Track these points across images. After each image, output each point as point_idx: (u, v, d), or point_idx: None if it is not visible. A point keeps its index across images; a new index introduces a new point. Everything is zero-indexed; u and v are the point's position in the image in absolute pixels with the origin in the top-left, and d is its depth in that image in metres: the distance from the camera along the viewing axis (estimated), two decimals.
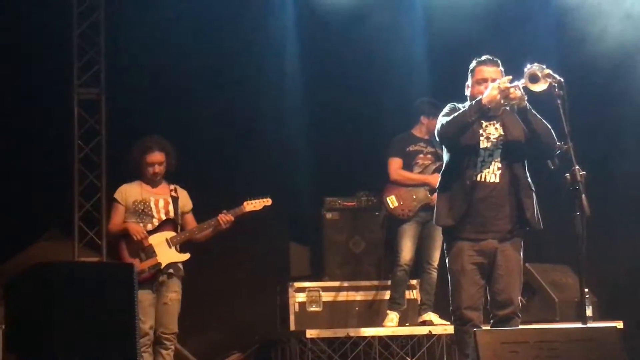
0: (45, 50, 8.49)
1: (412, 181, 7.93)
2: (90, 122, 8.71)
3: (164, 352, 6.71)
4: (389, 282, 8.11)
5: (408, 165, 7.99)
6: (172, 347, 6.80)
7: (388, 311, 7.92)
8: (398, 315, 7.87)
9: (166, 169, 6.86)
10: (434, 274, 7.91)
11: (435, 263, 7.89)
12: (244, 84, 9.04)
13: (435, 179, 7.59)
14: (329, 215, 8.60)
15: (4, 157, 8.27)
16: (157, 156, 6.81)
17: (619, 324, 7.03)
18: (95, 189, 8.64)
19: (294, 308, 8.15)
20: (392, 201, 7.93)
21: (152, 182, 6.87)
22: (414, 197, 7.89)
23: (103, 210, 8.57)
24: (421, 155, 8.00)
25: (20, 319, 5.84)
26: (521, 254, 5.75)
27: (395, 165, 7.98)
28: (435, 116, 7.77)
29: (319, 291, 8.24)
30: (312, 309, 8.18)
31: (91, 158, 8.68)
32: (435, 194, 7.43)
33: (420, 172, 7.96)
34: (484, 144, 5.68)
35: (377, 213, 8.48)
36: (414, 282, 8.20)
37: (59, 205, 8.60)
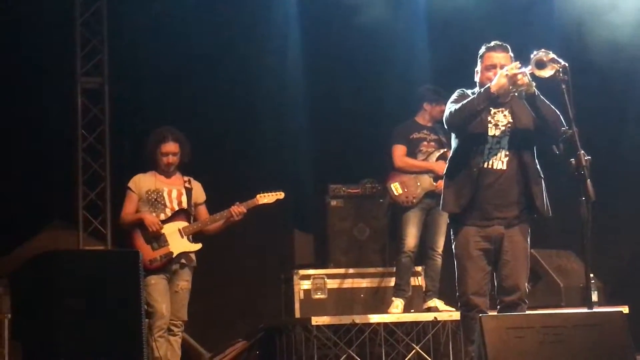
0: (48, 40, 8.47)
1: (417, 168, 7.92)
2: (94, 111, 8.73)
3: (171, 338, 6.74)
4: (394, 269, 8.11)
5: (412, 153, 7.98)
6: (180, 334, 6.83)
7: (393, 298, 7.92)
8: (403, 302, 7.87)
9: (180, 159, 6.87)
10: (439, 260, 7.91)
11: (440, 249, 7.89)
12: (247, 72, 9.04)
13: (440, 166, 7.65)
14: (333, 203, 8.60)
15: (8, 147, 8.27)
16: (171, 146, 6.83)
17: (625, 309, 7.02)
18: (100, 178, 8.66)
19: (299, 295, 8.16)
20: (396, 188, 7.92)
21: (166, 172, 6.87)
22: (418, 184, 7.89)
23: (107, 200, 8.61)
24: (425, 143, 7.99)
25: (25, 308, 5.86)
26: (528, 240, 5.73)
27: (399, 153, 7.97)
28: (438, 103, 7.83)
29: (323, 278, 8.25)
30: (317, 297, 8.19)
31: (95, 147, 8.70)
32: (440, 181, 7.49)
33: (424, 160, 7.95)
34: (492, 131, 5.66)
35: (381, 200, 8.47)
36: (418, 268, 8.20)
37: (63, 195, 8.62)
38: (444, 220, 7.71)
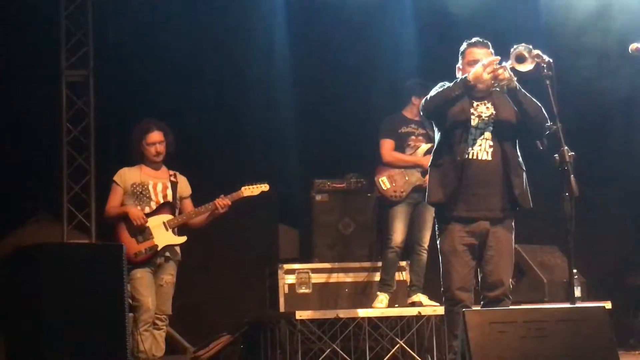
0: (32, 33, 8.44)
1: (405, 163, 7.92)
2: (79, 104, 8.69)
3: (156, 332, 6.75)
4: (379, 264, 8.12)
5: (400, 147, 7.97)
6: (164, 328, 6.83)
7: (378, 292, 7.92)
8: (388, 297, 7.87)
9: (166, 148, 6.88)
10: (424, 255, 7.92)
11: (426, 244, 7.90)
12: (234, 66, 9.03)
13: (427, 161, 7.65)
14: (318, 197, 8.58)
15: None
16: (156, 135, 6.84)
17: (607, 304, 7.05)
18: (84, 172, 8.63)
19: (283, 290, 8.16)
20: (384, 183, 7.92)
21: (155, 163, 6.87)
22: (407, 178, 7.89)
23: (92, 193, 8.57)
24: (413, 137, 7.99)
25: (8, 301, 5.84)
26: (512, 235, 5.75)
27: (387, 147, 7.97)
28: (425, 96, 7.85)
29: (308, 273, 8.25)
30: (301, 291, 8.19)
31: (80, 140, 8.66)
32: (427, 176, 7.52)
33: (412, 154, 7.95)
34: (474, 121, 5.68)
35: (369, 194, 8.48)
36: (403, 263, 8.21)
37: (48, 188, 8.59)
38: (430, 215, 7.72)
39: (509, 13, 8.95)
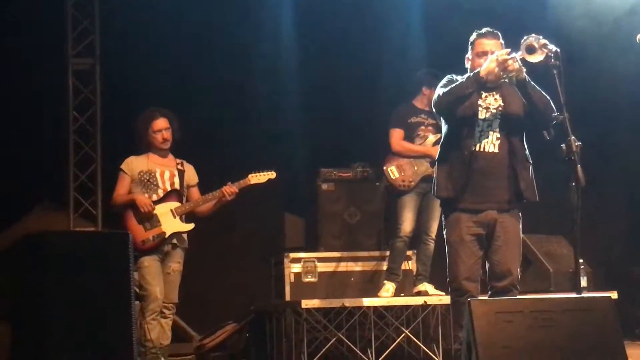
0: (39, 21, 8.44)
1: (414, 153, 7.92)
2: (85, 93, 8.71)
3: (162, 321, 6.75)
4: (386, 253, 8.12)
5: (409, 137, 7.96)
6: (171, 316, 6.84)
7: (385, 281, 7.92)
8: (394, 286, 7.88)
9: (172, 135, 6.88)
10: (432, 245, 7.92)
11: (434, 234, 7.90)
12: (241, 54, 9.02)
13: (436, 151, 7.64)
14: (324, 186, 8.59)
15: None
16: (162, 122, 6.85)
17: (613, 295, 7.05)
18: (91, 160, 8.65)
19: (289, 279, 8.17)
20: (392, 172, 7.92)
21: (162, 151, 6.87)
22: (415, 168, 7.89)
23: (98, 181, 8.60)
24: (422, 127, 7.98)
25: (14, 289, 5.85)
26: (520, 225, 5.75)
27: (397, 136, 7.97)
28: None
29: (314, 262, 8.26)
30: (307, 280, 8.20)
31: (86, 129, 8.68)
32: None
33: (421, 144, 7.95)
34: (482, 114, 5.67)
35: (377, 184, 8.48)
36: (409, 253, 8.21)
37: (54, 176, 8.61)
38: (438, 205, 7.71)
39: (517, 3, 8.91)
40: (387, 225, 8.38)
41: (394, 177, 7.90)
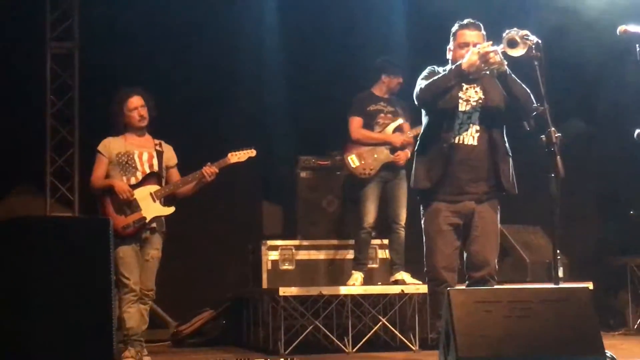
0: (17, 3, 8.36)
1: (374, 140, 7.94)
2: (64, 77, 8.66)
3: (141, 307, 6.69)
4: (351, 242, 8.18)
5: (368, 125, 7.98)
6: (149, 303, 6.79)
7: (353, 271, 7.94)
8: (362, 275, 7.90)
9: (148, 113, 6.76)
10: (402, 232, 7.94)
11: (403, 222, 7.92)
12: (223, 40, 8.99)
13: (396, 138, 7.78)
14: (302, 174, 8.61)
15: None
16: (137, 100, 6.73)
17: (589, 285, 7.11)
18: (68, 144, 8.61)
19: (266, 266, 8.18)
20: (352, 160, 7.94)
21: (139, 130, 6.75)
22: (375, 156, 7.91)
23: (76, 166, 8.56)
24: (382, 115, 8.00)
25: None
26: (498, 215, 5.78)
27: (356, 125, 7.98)
28: (396, 75, 7.93)
29: (292, 249, 8.27)
30: (284, 267, 8.21)
31: (64, 113, 8.64)
32: (398, 153, 7.72)
33: (380, 132, 7.97)
34: (462, 107, 5.68)
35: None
36: (385, 241, 8.24)
37: (31, 161, 8.55)
38: (402, 192, 7.82)
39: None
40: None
41: (354, 166, 7.92)
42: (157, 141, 6.86)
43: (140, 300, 6.67)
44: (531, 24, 5.61)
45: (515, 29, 5.43)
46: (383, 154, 7.90)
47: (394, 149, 7.87)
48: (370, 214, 7.88)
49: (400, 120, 7.94)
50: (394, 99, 8.04)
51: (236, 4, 9.03)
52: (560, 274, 7.61)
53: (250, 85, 9.14)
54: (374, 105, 8.00)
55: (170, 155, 6.89)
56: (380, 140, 7.92)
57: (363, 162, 7.91)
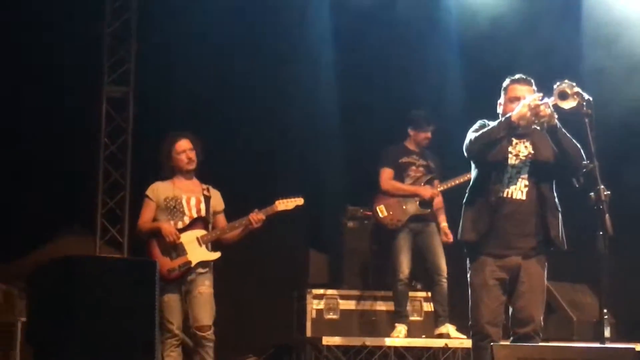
0: (76, 47, 8.51)
1: (403, 192, 7.98)
2: (118, 120, 8.79)
3: (200, 350, 6.60)
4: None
5: (399, 177, 8.05)
6: (210, 343, 6.64)
7: (396, 324, 7.93)
8: (406, 328, 7.88)
9: (196, 157, 6.80)
10: (445, 284, 7.94)
11: (444, 273, 7.93)
12: (278, 88, 9.06)
13: (426, 191, 7.85)
14: (350, 224, 8.63)
15: (31, 150, 8.31)
16: (185, 143, 6.78)
17: (637, 347, 7.00)
18: (120, 187, 8.71)
19: (311, 315, 8.18)
20: (381, 211, 7.99)
21: (187, 173, 6.78)
22: (404, 207, 7.94)
23: (126, 208, 8.65)
24: (413, 167, 8.06)
25: (40, 312, 5.87)
26: (545, 272, 5.72)
27: (386, 176, 8.04)
28: (422, 129, 8.00)
29: (336, 299, 8.27)
30: (329, 317, 8.20)
31: (117, 156, 8.75)
32: (426, 208, 7.84)
33: (411, 184, 7.99)
34: (512, 160, 5.66)
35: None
36: (426, 294, 8.24)
37: (83, 202, 8.66)
38: (437, 243, 7.87)
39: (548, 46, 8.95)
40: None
41: (382, 216, 7.96)
42: (204, 186, 6.88)
43: (198, 344, 6.58)
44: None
45: (566, 81, 5.42)
46: (412, 206, 7.95)
47: (423, 202, 7.91)
48: (405, 265, 7.90)
49: (432, 174, 8.00)
50: (427, 152, 8.11)
51: (295, 54, 9.11)
52: (607, 333, 7.47)
53: (303, 134, 9.20)
54: (406, 158, 8.06)
55: (217, 201, 6.90)
56: (409, 192, 7.97)
57: (391, 213, 7.95)
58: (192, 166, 6.81)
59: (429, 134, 8.07)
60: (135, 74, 8.80)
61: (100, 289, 5.65)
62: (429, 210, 7.96)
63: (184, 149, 6.78)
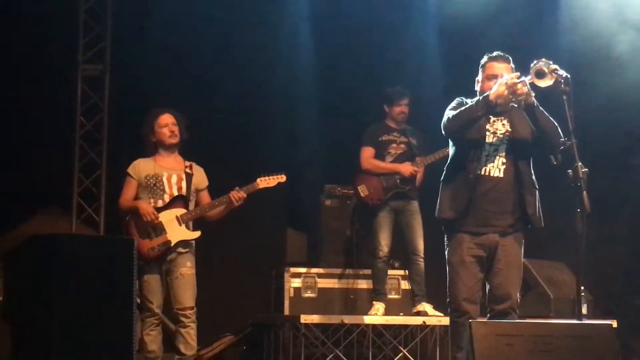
0: (51, 26, 8.44)
1: (383, 170, 7.99)
2: (94, 99, 8.72)
3: (182, 330, 6.55)
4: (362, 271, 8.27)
5: (380, 155, 8.05)
6: (192, 324, 6.60)
7: (374, 302, 7.95)
8: (384, 306, 7.90)
9: (179, 133, 6.72)
10: (421, 263, 7.95)
11: (421, 253, 7.94)
12: (255, 67, 9.01)
13: (406, 168, 7.83)
14: (327, 202, 8.63)
15: (5, 130, 8.24)
16: (167, 117, 6.71)
17: (614, 323, 7.04)
18: (96, 166, 8.66)
19: (288, 293, 8.19)
20: (362, 190, 8.01)
21: (170, 147, 6.70)
22: (384, 185, 7.95)
23: (102, 187, 8.61)
24: (394, 145, 8.06)
25: (17, 290, 5.84)
26: (522, 249, 5.75)
27: (366, 155, 8.05)
28: (395, 104, 7.99)
29: (314, 277, 8.28)
30: (307, 295, 8.21)
31: (93, 135, 8.69)
32: (406, 185, 7.83)
33: (392, 162, 8.00)
34: (489, 138, 5.68)
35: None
36: (403, 272, 8.26)
37: (59, 181, 8.60)
38: (417, 222, 7.88)
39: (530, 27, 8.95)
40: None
41: (363, 195, 7.99)
42: (187, 163, 6.80)
43: (179, 323, 6.54)
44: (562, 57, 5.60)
45: (543, 59, 5.42)
46: (392, 183, 7.96)
47: (403, 179, 7.90)
48: (384, 243, 7.91)
49: (412, 151, 8.01)
50: (409, 129, 8.09)
51: (269, 28, 9.06)
52: (584, 310, 7.56)
53: (281, 112, 9.17)
54: (386, 136, 8.06)
55: (200, 178, 6.82)
56: (390, 170, 7.98)
57: (372, 191, 7.96)
58: (175, 140, 6.72)
59: (403, 108, 8.06)
60: (111, 52, 8.72)
61: (77, 266, 5.63)
62: (409, 187, 7.95)
63: (167, 122, 6.70)
